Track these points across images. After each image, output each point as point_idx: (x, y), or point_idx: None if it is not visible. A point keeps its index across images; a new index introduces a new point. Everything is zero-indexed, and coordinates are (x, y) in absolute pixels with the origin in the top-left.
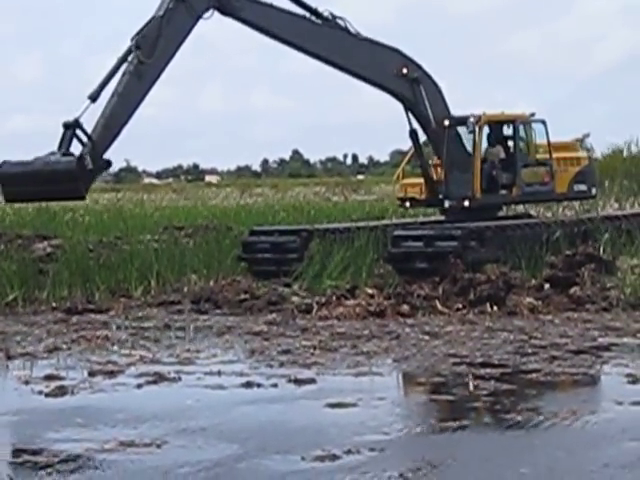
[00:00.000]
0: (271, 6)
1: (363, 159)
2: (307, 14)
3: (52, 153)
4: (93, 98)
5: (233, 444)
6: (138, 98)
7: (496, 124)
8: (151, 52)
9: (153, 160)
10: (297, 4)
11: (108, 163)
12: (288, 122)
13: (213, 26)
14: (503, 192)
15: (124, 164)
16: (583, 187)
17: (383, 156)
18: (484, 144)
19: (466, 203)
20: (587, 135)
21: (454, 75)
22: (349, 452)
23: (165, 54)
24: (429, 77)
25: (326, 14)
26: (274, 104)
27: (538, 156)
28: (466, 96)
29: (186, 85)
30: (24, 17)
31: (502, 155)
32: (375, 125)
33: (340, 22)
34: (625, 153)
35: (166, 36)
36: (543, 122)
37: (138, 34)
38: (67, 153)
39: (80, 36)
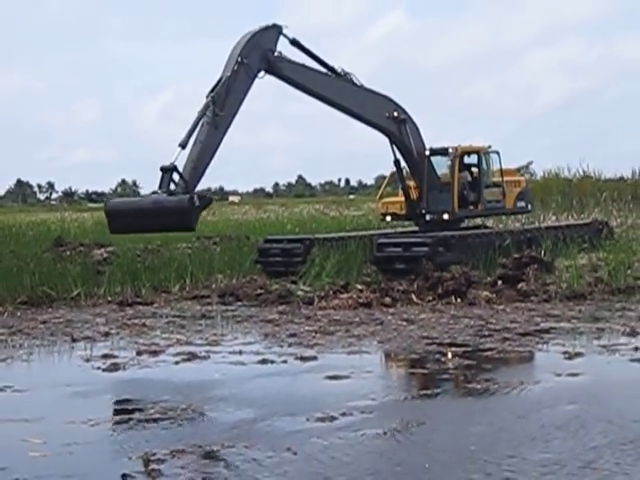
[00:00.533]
0: (303, 66)
1: (354, 182)
2: (324, 69)
3: (155, 192)
4: (183, 145)
5: (251, 408)
6: (216, 143)
7: (466, 154)
8: (223, 106)
9: None
10: (319, 63)
11: (210, 200)
12: (294, 153)
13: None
14: (471, 208)
15: None
16: (523, 204)
17: (369, 180)
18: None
19: (446, 216)
20: (530, 162)
21: (425, 115)
22: (344, 414)
23: (233, 107)
24: (411, 118)
25: (339, 70)
26: (283, 139)
27: (494, 179)
28: (434, 132)
29: None
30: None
31: (469, 179)
32: (363, 155)
33: (349, 76)
34: (561, 176)
35: (233, 93)
36: (497, 152)
37: (212, 91)
38: (170, 192)
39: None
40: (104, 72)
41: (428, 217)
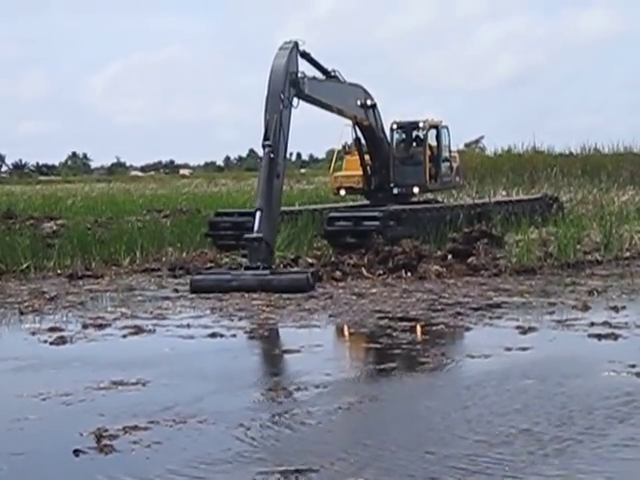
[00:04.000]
0: (314, 79)
1: (305, 156)
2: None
3: (248, 267)
4: (261, 209)
5: (203, 383)
6: (281, 192)
7: (432, 128)
8: (278, 152)
9: (138, 156)
10: (318, 69)
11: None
12: (245, 128)
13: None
14: (434, 181)
15: (115, 160)
16: (458, 179)
17: (321, 154)
18: (413, 144)
19: (416, 190)
20: (481, 137)
21: (372, 89)
22: (298, 389)
23: (284, 146)
24: (376, 103)
25: (331, 71)
26: (233, 113)
27: (445, 154)
28: (381, 106)
29: (163, 99)
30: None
31: (430, 153)
32: (314, 130)
33: (337, 74)
34: (512, 152)
35: (282, 132)
36: (446, 128)
37: (266, 139)
38: (267, 267)
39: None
40: (49, 44)
41: (396, 191)
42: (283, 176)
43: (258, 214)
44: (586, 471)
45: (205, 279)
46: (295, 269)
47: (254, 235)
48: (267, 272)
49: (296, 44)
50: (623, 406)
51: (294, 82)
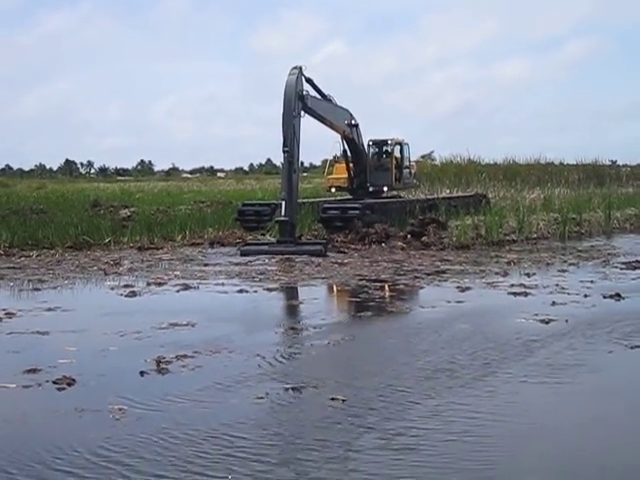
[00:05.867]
0: (315, 97)
1: (307, 164)
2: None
3: (280, 241)
4: (284, 199)
5: (233, 324)
6: (298, 182)
7: (397, 144)
8: (293, 154)
9: (188, 163)
10: (317, 92)
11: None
12: (264, 143)
13: None
14: (398, 182)
15: (171, 165)
16: (415, 181)
17: (317, 162)
18: (384, 156)
19: (385, 189)
20: (432, 151)
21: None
22: (301, 329)
23: (298, 149)
24: (358, 124)
25: (327, 95)
26: (256, 133)
27: (406, 163)
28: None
29: (205, 122)
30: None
31: (395, 162)
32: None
33: (331, 98)
34: (453, 162)
35: (296, 139)
36: (407, 144)
37: (285, 147)
38: (292, 240)
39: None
40: (124, 81)
41: (371, 189)
42: (299, 170)
43: (283, 203)
44: (491, 393)
45: (249, 249)
46: (313, 240)
47: (282, 218)
48: (292, 244)
49: (300, 68)
50: (527, 342)
51: (301, 97)
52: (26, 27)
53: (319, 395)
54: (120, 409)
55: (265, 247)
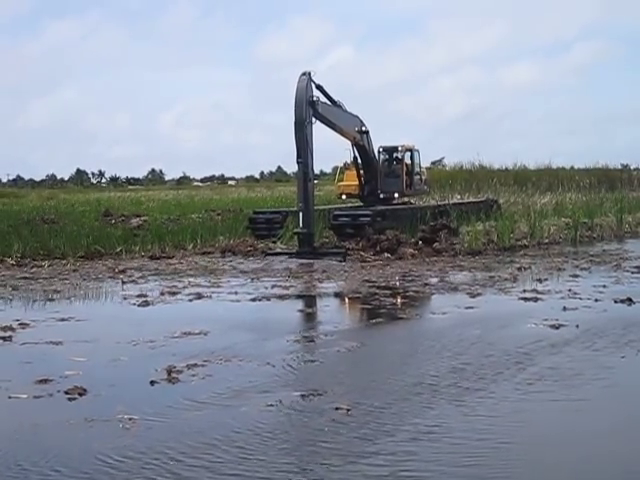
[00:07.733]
0: (325, 103)
1: (317, 171)
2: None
3: (299, 252)
4: (302, 210)
5: (244, 333)
6: (313, 189)
7: (407, 151)
8: (307, 162)
9: (199, 171)
10: (327, 97)
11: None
12: (274, 151)
13: None
14: (409, 189)
15: (182, 174)
16: (426, 187)
17: (328, 169)
18: (394, 162)
19: (396, 195)
20: (443, 158)
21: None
22: (312, 337)
23: (311, 156)
24: (369, 131)
25: (337, 101)
26: (265, 141)
27: (417, 170)
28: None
29: (215, 130)
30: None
31: (405, 169)
32: (322, 151)
33: (341, 104)
34: (463, 168)
35: (309, 147)
36: (417, 151)
37: (299, 157)
38: (312, 250)
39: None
40: (132, 91)
41: (382, 195)
42: (313, 178)
43: (301, 214)
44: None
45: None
46: (332, 250)
47: (300, 230)
48: (311, 255)
49: (309, 74)
50: (534, 345)
51: (311, 103)
52: (34, 37)
53: (325, 403)
54: (130, 419)
55: (286, 257)
